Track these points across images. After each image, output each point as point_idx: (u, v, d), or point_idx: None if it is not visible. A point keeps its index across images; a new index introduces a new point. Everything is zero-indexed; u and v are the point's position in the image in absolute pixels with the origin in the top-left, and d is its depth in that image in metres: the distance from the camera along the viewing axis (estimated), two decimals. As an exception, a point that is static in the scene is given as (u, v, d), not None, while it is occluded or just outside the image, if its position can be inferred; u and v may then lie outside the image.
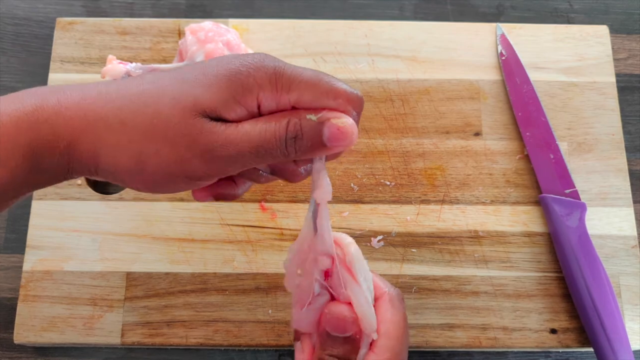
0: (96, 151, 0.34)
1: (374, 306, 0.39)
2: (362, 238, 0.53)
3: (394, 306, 0.39)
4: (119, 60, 0.55)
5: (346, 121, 0.33)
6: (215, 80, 0.33)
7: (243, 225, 0.54)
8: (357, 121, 0.35)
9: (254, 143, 0.33)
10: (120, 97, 0.34)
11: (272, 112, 0.34)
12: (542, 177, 0.55)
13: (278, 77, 0.33)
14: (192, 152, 0.33)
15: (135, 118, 0.33)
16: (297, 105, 0.34)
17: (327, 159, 0.36)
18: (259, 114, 0.34)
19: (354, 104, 0.34)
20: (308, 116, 0.33)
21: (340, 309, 0.37)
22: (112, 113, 0.34)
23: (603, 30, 0.61)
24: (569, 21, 0.65)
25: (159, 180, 0.34)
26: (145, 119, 0.33)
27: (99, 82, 0.36)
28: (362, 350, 0.38)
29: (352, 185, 0.55)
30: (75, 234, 0.53)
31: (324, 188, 0.36)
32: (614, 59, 0.61)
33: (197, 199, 0.38)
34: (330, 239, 0.37)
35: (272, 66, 0.33)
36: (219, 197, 0.39)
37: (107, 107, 0.34)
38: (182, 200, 0.54)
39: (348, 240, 0.38)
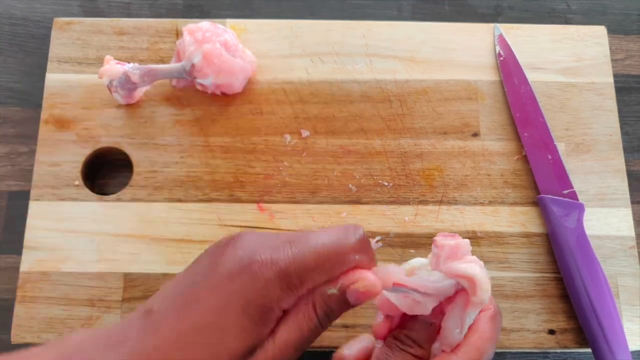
0: None
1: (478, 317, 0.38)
2: (360, 239, 0.53)
3: (493, 323, 0.37)
4: (116, 61, 0.55)
5: (365, 282, 0.33)
6: (236, 322, 0.32)
7: (241, 226, 0.54)
8: (371, 259, 0.35)
9: (296, 344, 0.33)
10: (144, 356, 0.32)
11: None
12: (540, 177, 0.55)
13: (288, 282, 0.32)
14: None
15: None
16: (315, 288, 0.34)
17: None
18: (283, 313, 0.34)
19: (360, 252, 0.34)
20: (329, 291, 0.33)
21: None
22: None
23: (601, 30, 0.61)
24: (567, 22, 0.65)
25: None
26: None
27: (121, 330, 0.33)
28: (436, 345, 0.37)
29: (350, 186, 0.55)
30: (72, 234, 0.53)
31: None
32: (612, 60, 0.61)
33: None
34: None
35: (276, 274, 0.32)
36: None
37: None
38: (179, 201, 0.54)
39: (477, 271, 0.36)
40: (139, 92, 0.57)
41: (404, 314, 0.38)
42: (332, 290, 0.33)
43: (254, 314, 0.32)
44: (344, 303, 0.33)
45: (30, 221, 0.53)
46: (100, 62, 0.58)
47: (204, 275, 0.34)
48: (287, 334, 0.33)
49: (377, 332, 0.39)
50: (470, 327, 0.37)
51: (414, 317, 0.37)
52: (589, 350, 0.51)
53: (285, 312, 0.34)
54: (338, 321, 0.50)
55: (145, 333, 0.32)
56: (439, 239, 0.37)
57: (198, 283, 0.33)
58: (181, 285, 0.34)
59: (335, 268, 0.33)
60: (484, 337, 0.37)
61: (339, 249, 0.34)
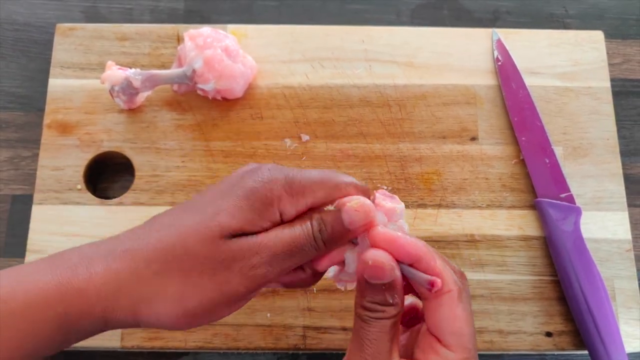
0: (134, 308, 0.34)
1: (440, 302, 0.36)
2: (359, 242, 0.54)
3: (462, 301, 0.36)
4: (118, 66, 0.55)
5: (360, 201, 0.36)
6: (235, 202, 0.35)
7: (241, 230, 0.54)
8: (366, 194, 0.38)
9: (286, 243, 0.35)
10: (144, 249, 0.35)
11: (292, 218, 0.37)
12: (538, 181, 0.56)
13: (291, 186, 0.36)
14: (231, 270, 0.34)
15: (166, 265, 0.34)
16: (313, 206, 0.37)
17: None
18: (281, 221, 0.36)
19: (362, 192, 0.38)
20: (326, 208, 0.37)
21: (377, 255, 0.36)
22: (142, 268, 0.34)
23: (598, 35, 0.61)
24: (565, 26, 0.66)
25: (200, 314, 0.35)
26: (176, 263, 0.34)
27: (119, 236, 0.37)
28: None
29: (349, 189, 0.56)
30: (75, 238, 0.54)
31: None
32: (609, 64, 0.61)
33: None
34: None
35: (283, 177, 0.36)
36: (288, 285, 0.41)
37: (136, 265, 0.34)
38: (181, 204, 0.55)
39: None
40: (141, 97, 0.57)
41: (360, 285, 0.37)
42: (330, 207, 0.37)
43: (253, 201, 0.35)
44: (338, 221, 0.36)
45: (33, 225, 0.54)
46: (102, 67, 0.58)
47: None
48: (280, 231, 0.35)
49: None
50: (444, 318, 0.36)
51: (369, 284, 0.36)
52: (586, 352, 0.51)
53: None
54: (337, 323, 0.51)
55: (142, 229, 0.37)
56: (378, 197, 0.39)
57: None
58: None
59: (334, 190, 0.37)
60: (463, 320, 0.36)
61: (343, 179, 0.38)
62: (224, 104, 0.58)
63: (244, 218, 0.35)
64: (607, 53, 0.61)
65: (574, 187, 0.56)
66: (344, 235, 0.36)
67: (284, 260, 0.35)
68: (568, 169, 0.57)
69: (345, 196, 0.37)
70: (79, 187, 0.55)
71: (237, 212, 0.35)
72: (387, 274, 0.35)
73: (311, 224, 0.36)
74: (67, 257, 0.35)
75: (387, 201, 0.39)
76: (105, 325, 0.35)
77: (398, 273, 0.36)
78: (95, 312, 0.34)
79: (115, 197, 0.55)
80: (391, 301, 0.35)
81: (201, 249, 0.34)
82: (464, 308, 0.36)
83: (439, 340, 0.36)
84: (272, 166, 0.37)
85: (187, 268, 0.34)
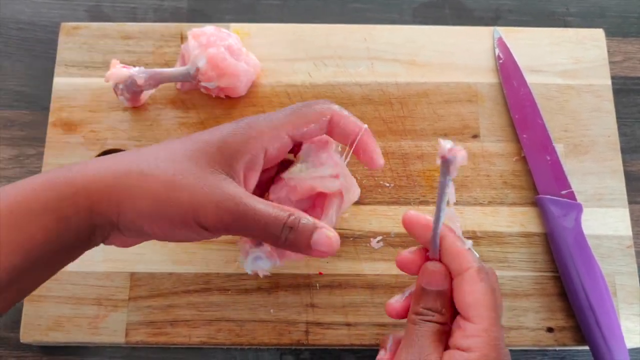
0: (119, 200, 0.37)
1: (462, 278, 0.40)
2: (361, 239, 0.54)
3: (481, 278, 0.39)
4: (122, 65, 0.56)
5: (334, 235, 0.41)
6: (222, 142, 0.40)
7: (245, 227, 0.55)
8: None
9: (259, 217, 0.38)
10: (141, 153, 0.39)
11: (277, 152, 0.42)
12: (539, 178, 0.56)
13: (270, 120, 0.42)
14: (209, 199, 0.37)
15: (157, 169, 0.38)
16: (294, 136, 0.42)
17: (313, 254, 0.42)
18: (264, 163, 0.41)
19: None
20: (308, 218, 0.40)
21: (435, 265, 0.41)
22: (134, 165, 0.38)
23: (599, 33, 0.62)
24: (566, 25, 0.66)
25: (174, 226, 0.38)
26: (166, 170, 0.37)
27: (124, 152, 0.41)
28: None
29: (352, 186, 0.56)
30: (80, 235, 0.54)
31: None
32: (610, 62, 0.62)
33: None
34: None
35: (262, 117, 0.42)
36: None
37: (129, 162, 0.38)
38: (185, 201, 0.55)
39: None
40: (145, 95, 0.58)
41: (417, 292, 0.41)
42: (310, 219, 0.41)
43: (240, 134, 0.41)
44: (307, 235, 0.40)
45: (39, 222, 0.54)
46: (106, 65, 0.59)
47: None
48: (264, 206, 0.39)
49: (391, 309, 0.43)
50: (465, 293, 0.39)
51: (425, 291, 0.40)
52: (587, 347, 0.51)
53: None
54: (340, 319, 0.52)
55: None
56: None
57: None
58: None
59: (303, 117, 0.43)
60: (480, 293, 0.38)
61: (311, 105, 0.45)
62: (228, 102, 0.59)
63: (230, 154, 0.39)
64: (608, 51, 0.62)
65: (575, 184, 0.56)
66: (303, 247, 0.40)
67: (250, 226, 0.38)
68: (569, 166, 0.57)
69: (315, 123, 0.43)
70: (83, 184, 0.56)
71: (224, 148, 0.39)
72: (441, 281, 0.40)
73: (287, 217, 0.39)
74: (66, 165, 0.39)
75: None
76: (90, 219, 0.37)
77: (449, 285, 0.40)
78: (81, 201, 0.37)
79: (119, 195, 0.56)
80: (440, 309, 0.39)
81: (190, 167, 0.38)
82: (483, 283, 0.39)
83: (463, 317, 0.39)
84: (258, 116, 0.43)
85: (173, 180, 0.37)
